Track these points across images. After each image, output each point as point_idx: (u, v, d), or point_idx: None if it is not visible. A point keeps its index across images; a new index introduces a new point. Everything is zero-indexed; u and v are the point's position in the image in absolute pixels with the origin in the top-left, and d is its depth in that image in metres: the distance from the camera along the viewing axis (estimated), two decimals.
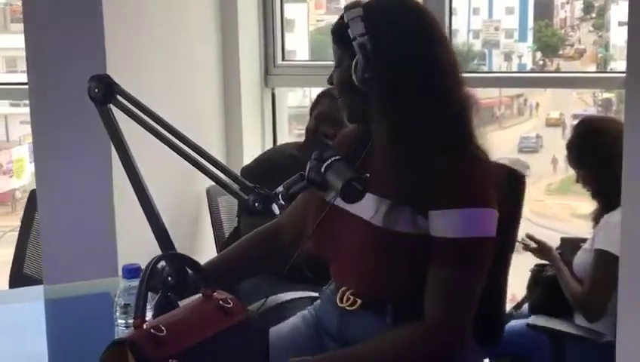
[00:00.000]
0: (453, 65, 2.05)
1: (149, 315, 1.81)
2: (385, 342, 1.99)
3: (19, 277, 3.38)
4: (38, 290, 2.85)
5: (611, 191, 2.64)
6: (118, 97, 1.99)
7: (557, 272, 3.08)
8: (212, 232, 3.50)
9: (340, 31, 2.03)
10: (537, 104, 5.62)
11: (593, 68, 5.03)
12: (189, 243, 3.54)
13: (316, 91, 3.46)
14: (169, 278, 1.90)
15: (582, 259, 3.07)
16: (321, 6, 5.27)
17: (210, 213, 3.52)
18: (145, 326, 1.54)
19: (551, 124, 5.70)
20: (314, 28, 5.03)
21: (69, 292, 2.50)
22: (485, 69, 5.18)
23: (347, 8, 2.02)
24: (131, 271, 1.77)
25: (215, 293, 1.67)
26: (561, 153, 3.40)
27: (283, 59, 4.12)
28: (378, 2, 2.05)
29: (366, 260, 2.06)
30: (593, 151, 3.05)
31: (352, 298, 2.10)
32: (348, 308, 2.10)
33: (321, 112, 3.29)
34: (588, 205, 3.23)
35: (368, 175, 1.85)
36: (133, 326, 1.54)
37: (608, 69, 4.87)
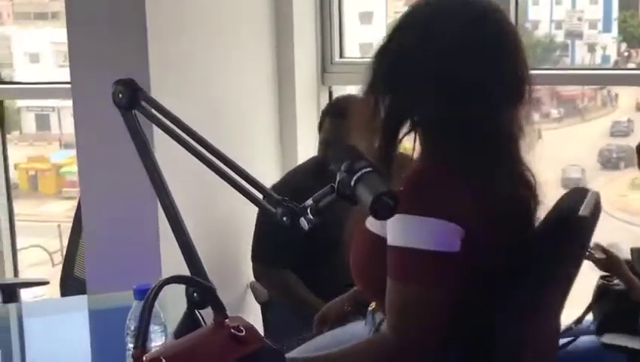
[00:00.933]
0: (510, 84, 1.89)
1: (161, 340, 1.70)
2: (349, 350, 1.89)
3: (69, 280, 3.33)
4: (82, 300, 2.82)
5: None
6: (143, 103, 1.87)
7: (629, 284, 2.83)
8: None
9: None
10: (616, 95, 5.35)
11: None
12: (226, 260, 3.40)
13: None
14: (194, 294, 1.78)
15: None
16: None
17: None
18: (145, 358, 1.39)
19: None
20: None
21: (112, 302, 2.46)
22: (568, 60, 5.05)
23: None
24: (143, 292, 1.63)
25: (227, 320, 1.51)
26: None
27: (341, 55, 3.94)
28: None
29: (359, 263, 1.99)
30: None
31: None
32: (370, 308, 2.07)
33: (325, 139, 3.16)
34: None
35: (402, 188, 1.69)
36: (132, 357, 1.40)
37: None
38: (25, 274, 4.67)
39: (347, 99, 3.23)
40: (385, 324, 1.89)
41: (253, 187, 1.86)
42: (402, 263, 1.82)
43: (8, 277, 4.00)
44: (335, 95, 3.94)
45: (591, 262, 2.87)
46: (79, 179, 3.06)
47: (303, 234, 1.80)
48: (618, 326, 2.81)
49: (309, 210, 1.78)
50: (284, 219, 1.81)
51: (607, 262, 2.89)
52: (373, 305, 2.07)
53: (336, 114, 3.09)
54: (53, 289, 3.38)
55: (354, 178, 1.69)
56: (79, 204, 3.17)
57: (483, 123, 1.85)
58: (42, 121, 5.87)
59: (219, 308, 1.53)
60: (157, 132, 1.90)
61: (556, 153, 5.19)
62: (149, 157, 1.89)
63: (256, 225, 3.14)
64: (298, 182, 2.97)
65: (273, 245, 3.06)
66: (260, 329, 3.11)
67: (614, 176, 5.43)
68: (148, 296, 1.45)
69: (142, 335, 1.41)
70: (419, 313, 1.82)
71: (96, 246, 3.05)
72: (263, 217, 3.08)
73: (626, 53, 4.84)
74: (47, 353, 2.21)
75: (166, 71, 2.89)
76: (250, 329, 1.54)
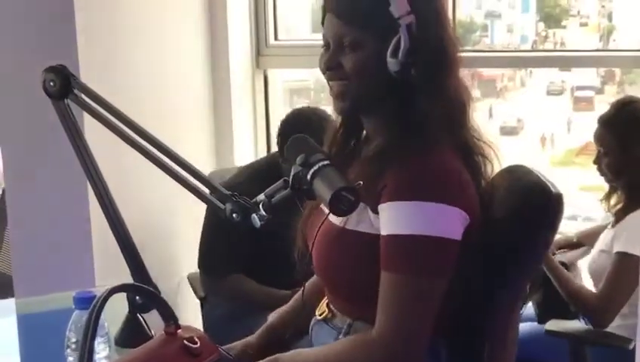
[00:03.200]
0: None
1: (104, 351, 1.53)
2: (330, 350, 1.72)
3: None
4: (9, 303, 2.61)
5: None
6: (77, 92, 1.70)
7: (553, 273, 2.72)
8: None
9: (359, 7, 1.70)
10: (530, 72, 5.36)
11: (596, 39, 4.78)
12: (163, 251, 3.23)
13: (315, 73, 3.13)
14: (234, 215, 1.65)
15: (598, 262, 2.75)
16: None
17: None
18: None
19: (552, 93, 5.47)
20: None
21: (41, 306, 2.25)
22: (487, 41, 5.00)
23: None
24: (84, 301, 1.46)
25: (180, 330, 1.36)
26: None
27: (276, 38, 3.79)
28: None
29: (324, 260, 1.79)
30: (634, 132, 2.70)
31: (325, 309, 1.86)
32: (318, 317, 1.86)
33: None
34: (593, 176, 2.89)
35: (361, 183, 1.55)
36: None
37: (611, 40, 4.60)
38: None
39: (313, 116, 2.95)
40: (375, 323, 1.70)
41: (199, 180, 1.71)
42: (417, 254, 1.64)
43: None
44: (270, 78, 3.80)
45: None
46: (4, 172, 2.85)
47: (250, 237, 1.66)
48: (558, 311, 2.73)
49: (261, 206, 1.64)
50: (234, 215, 1.66)
51: None
52: (322, 311, 1.88)
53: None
54: None
55: (310, 172, 1.56)
56: (2, 195, 2.97)
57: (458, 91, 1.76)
58: None
59: (170, 317, 1.37)
60: (88, 120, 1.74)
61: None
62: (82, 147, 1.74)
63: (201, 235, 2.98)
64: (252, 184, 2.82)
65: (220, 255, 2.91)
66: (199, 324, 2.99)
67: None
68: (92, 309, 1.28)
69: (87, 353, 1.24)
70: (422, 305, 1.65)
71: (23, 243, 2.84)
72: (209, 226, 2.95)
73: (543, 33, 4.78)
74: None
75: (94, 57, 2.71)
76: (203, 339, 1.39)
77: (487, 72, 5.15)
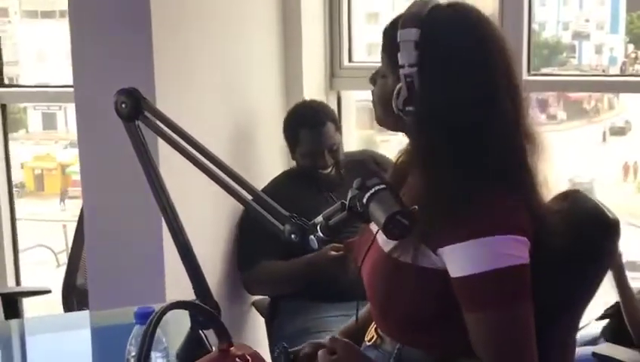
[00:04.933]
0: (514, 91, 1.74)
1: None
2: None
3: (72, 289, 3.26)
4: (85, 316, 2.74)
5: None
6: (146, 113, 1.77)
7: (619, 284, 2.69)
8: None
9: (390, 40, 1.74)
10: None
11: None
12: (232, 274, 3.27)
13: None
14: (292, 236, 1.71)
15: None
16: None
17: None
18: None
19: None
20: None
21: (114, 319, 2.36)
22: (575, 62, 4.94)
23: (404, 24, 1.72)
24: (144, 316, 1.52)
25: (232, 348, 1.41)
26: None
27: (350, 60, 3.83)
28: (441, 25, 1.74)
29: (375, 288, 1.83)
30: None
31: (374, 334, 1.88)
32: (367, 343, 1.88)
33: (306, 152, 3.14)
34: None
35: (416, 207, 1.58)
36: None
37: None
38: (30, 274, 4.60)
39: (319, 106, 3.25)
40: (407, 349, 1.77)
41: (258, 203, 1.76)
42: (494, 287, 1.65)
43: (10, 283, 3.92)
44: (343, 100, 3.85)
45: None
46: (82, 192, 2.95)
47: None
48: (623, 337, 2.71)
49: (319, 228, 1.69)
50: (293, 236, 1.71)
51: None
52: (372, 336, 1.90)
53: (314, 124, 3.11)
54: (56, 297, 3.30)
55: (366, 195, 1.61)
56: (82, 212, 3.08)
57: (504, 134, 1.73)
58: (49, 120, 5.80)
59: (223, 334, 1.43)
60: (161, 143, 1.80)
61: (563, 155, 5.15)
62: (152, 169, 1.80)
63: (235, 240, 3.13)
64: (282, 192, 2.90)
65: (250, 249, 3.07)
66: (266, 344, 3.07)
67: None
68: (149, 325, 1.35)
69: None
70: (525, 338, 1.67)
71: (98, 260, 2.95)
72: (241, 230, 3.14)
73: (633, 55, 4.71)
74: None
75: (171, 78, 2.78)
76: (256, 357, 1.44)
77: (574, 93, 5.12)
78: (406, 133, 1.81)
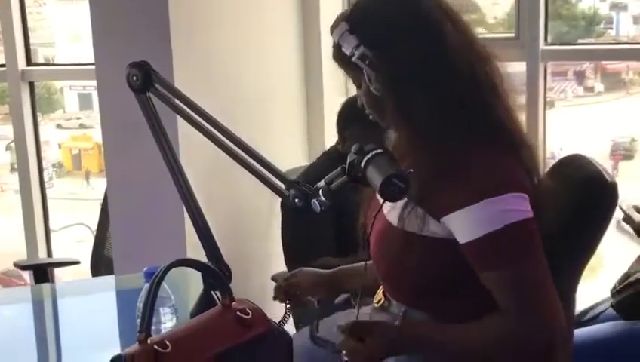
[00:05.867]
0: (466, 44, 1.78)
1: (171, 322, 1.70)
2: (481, 332, 1.74)
3: (100, 259, 3.38)
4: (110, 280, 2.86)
5: None
6: (157, 86, 1.87)
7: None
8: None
9: (339, 55, 1.79)
10: None
11: None
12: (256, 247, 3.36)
13: None
14: (296, 200, 1.81)
15: None
16: None
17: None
18: (149, 341, 1.40)
19: None
20: None
21: (137, 282, 2.45)
22: (612, 33, 4.89)
23: (332, 29, 1.79)
24: (152, 275, 1.62)
25: (234, 303, 1.51)
26: None
27: None
28: (359, 6, 1.81)
29: (382, 257, 1.88)
30: None
31: (382, 297, 1.95)
32: (376, 305, 1.96)
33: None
34: None
35: (412, 170, 1.65)
36: (137, 340, 1.40)
37: None
38: (69, 251, 4.75)
39: None
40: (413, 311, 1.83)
41: (267, 170, 1.86)
42: (504, 244, 1.69)
43: (41, 256, 4.03)
44: None
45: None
46: (105, 164, 3.07)
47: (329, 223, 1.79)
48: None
49: (320, 192, 1.78)
50: (297, 200, 1.81)
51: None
52: (379, 298, 1.98)
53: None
54: (85, 268, 3.42)
55: (364, 159, 1.68)
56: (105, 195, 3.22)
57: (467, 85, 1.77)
58: (85, 100, 5.91)
59: (225, 291, 1.53)
60: (180, 119, 1.88)
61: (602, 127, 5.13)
62: (164, 140, 1.89)
63: (282, 235, 3.10)
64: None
65: (302, 246, 3.02)
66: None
67: None
68: (153, 280, 1.45)
69: (146, 321, 1.41)
70: (544, 286, 1.71)
71: (121, 229, 3.07)
72: (287, 224, 3.08)
73: None
74: (79, 332, 2.23)
75: (188, 59, 2.89)
76: (257, 311, 1.53)
77: (611, 64, 5.09)
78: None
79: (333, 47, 1.80)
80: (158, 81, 1.87)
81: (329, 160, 3.08)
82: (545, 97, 3.53)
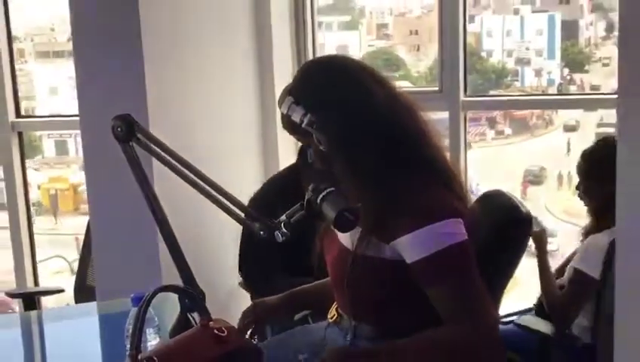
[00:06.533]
0: (392, 97, 1.87)
1: (155, 340, 1.72)
2: (426, 339, 1.79)
3: (82, 289, 3.37)
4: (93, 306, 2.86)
5: (606, 210, 2.49)
6: (139, 135, 1.89)
7: (540, 267, 2.83)
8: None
9: (289, 123, 1.87)
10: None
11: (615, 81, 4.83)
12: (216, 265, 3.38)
13: None
14: (261, 232, 1.82)
15: (568, 271, 2.87)
16: (372, 32, 5.12)
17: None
18: (140, 357, 1.42)
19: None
20: (365, 53, 4.90)
21: (119, 307, 2.41)
22: (518, 84, 5.05)
23: (280, 102, 1.87)
24: (139, 299, 1.65)
25: (211, 322, 1.54)
26: None
27: None
28: (299, 81, 1.90)
29: (338, 277, 1.93)
30: (602, 172, 2.80)
31: (335, 313, 2.00)
32: (330, 320, 2.00)
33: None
34: None
35: (360, 205, 1.71)
36: (129, 356, 1.42)
37: None
38: (48, 281, 4.69)
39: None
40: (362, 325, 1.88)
41: (236, 206, 1.89)
42: (446, 263, 1.76)
43: (29, 286, 4.03)
44: None
45: None
46: (88, 199, 3.07)
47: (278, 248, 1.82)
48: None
49: (282, 225, 1.82)
50: (262, 232, 1.85)
51: (538, 233, 2.82)
52: (332, 314, 2.03)
53: None
54: (69, 296, 3.40)
55: (319, 197, 1.74)
56: (89, 223, 3.20)
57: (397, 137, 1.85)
58: (61, 147, 5.90)
59: (203, 312, 1.56)
60: (155, 161, 1.89)
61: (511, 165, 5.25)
62: (146, 183, 1.90)
63: (239, 249, 3.13)
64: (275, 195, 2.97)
65: (257, 259, 3.05)
66: None
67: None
68: (141, 305, 1.47)
69: (136, 340, 1.43)
70: (480, 295, 1.77)
71: (104, 259, 3.07)
72: (244, 240, 3.10)
73: (568, 77, 4.87)
74: (65, 355, 2.21)
75: (164, 106, 2.93)
76: (231, 329, 1.57)
77: (518, 110, 5.22)
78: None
79: (283, 117, 1.87)
80: (140, 131, 1.90)
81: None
82: (465, 141, 3.63)
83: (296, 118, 1.82)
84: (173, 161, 1.89)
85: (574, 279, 2.76)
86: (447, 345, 1.77)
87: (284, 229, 1.82)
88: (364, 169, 1.82)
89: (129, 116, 1.89)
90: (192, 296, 1.59)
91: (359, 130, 1.81)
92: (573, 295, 2.75)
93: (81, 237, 3.41)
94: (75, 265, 4.73)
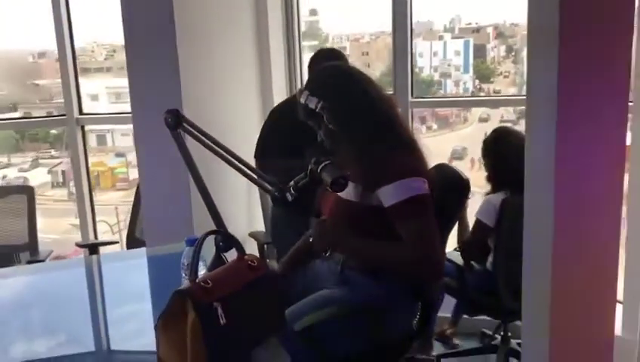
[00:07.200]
0: (379, 93, 1.99)
1: (202, 271, 1.77)
2: (387, 248, 1.87)
3: (131, 240, 3.37)
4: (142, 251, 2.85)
5: (499, 180, 2.71)
6: (184, 124, 1.93)
7: (460, 223, 2.98)
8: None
9: (306, 110, 1.96)
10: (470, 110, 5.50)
11: (514, 89, 4.95)
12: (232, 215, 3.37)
13: None
14: (220, 243, 1.79)
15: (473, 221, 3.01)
16: None
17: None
18: (197, 281, 1.47)
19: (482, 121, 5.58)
20: None
21: (164, 251, 2.45)
22: (442, 92, 5.12)
23: (298, 95, 1.97)
24: (191, 241, 1.72)
25: (245, 256, 1.60)
26: None
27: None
28: (314, 80, 2.02)
29: (333, 216, 2.00)
30: (496, 152, 2.94)
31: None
32: (323, 254, 2.05)
33: None
34: None
35: (349, 173, 1.79)
36: (188, 280, 1.48)
37: (523, 91, 4.76)
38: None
39: (332, 52, 3.00)
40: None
41: (256, 173, 1.94)
42: (413, 206, 1.84)
43: (91, 239, 4.06)
44: None
45: None
46: (139, 172, 3.09)
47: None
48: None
49: (291, 189, 1.89)
50: (276, 193, 1.91)
51: None
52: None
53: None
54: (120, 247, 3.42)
55: (319, 167, 1.81)
56: (137, 189, 3.23)
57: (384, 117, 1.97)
58: (101, 139, 5.87)
59: (240, 249, 1.61)
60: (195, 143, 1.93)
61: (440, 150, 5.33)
62: (189, 157, 1.94)
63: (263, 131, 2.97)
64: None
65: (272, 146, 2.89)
66: None
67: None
68: (197, 243, 1.52)
69: (193, 269, 1.48)
70: (433, 234, 1.85)
71: (151, 215, 3.10)
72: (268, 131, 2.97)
73: (478, 87, 4.96)
74: (121, 289, 2.21)
75: (194, 101, 2.96)
76: (260, 261, 1.61)
77: (442, 111, 5.34)
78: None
79: (301, 106, 1.95)
80: (185, 121, 1.93)
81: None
82: (412, 130, 3.69)
83: (311, 105, 1.90)
84: (210, 143, 1.94)
85: (476, 226, 2.89)
86: (402, 255, 1.84)
87: (292, 191, 1.88)
88: (359, 141, 1.92)
89: (177, 110, 1.92)
90: (231, 238, 1.64)
91: (357, 114, 1.92)
92: (475, 238, 2.87)
93: (120, 208, 3.42)
94: (115, 228, 4.76)
